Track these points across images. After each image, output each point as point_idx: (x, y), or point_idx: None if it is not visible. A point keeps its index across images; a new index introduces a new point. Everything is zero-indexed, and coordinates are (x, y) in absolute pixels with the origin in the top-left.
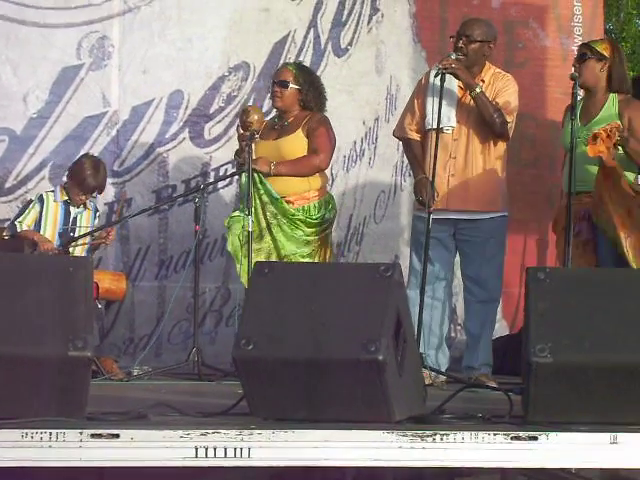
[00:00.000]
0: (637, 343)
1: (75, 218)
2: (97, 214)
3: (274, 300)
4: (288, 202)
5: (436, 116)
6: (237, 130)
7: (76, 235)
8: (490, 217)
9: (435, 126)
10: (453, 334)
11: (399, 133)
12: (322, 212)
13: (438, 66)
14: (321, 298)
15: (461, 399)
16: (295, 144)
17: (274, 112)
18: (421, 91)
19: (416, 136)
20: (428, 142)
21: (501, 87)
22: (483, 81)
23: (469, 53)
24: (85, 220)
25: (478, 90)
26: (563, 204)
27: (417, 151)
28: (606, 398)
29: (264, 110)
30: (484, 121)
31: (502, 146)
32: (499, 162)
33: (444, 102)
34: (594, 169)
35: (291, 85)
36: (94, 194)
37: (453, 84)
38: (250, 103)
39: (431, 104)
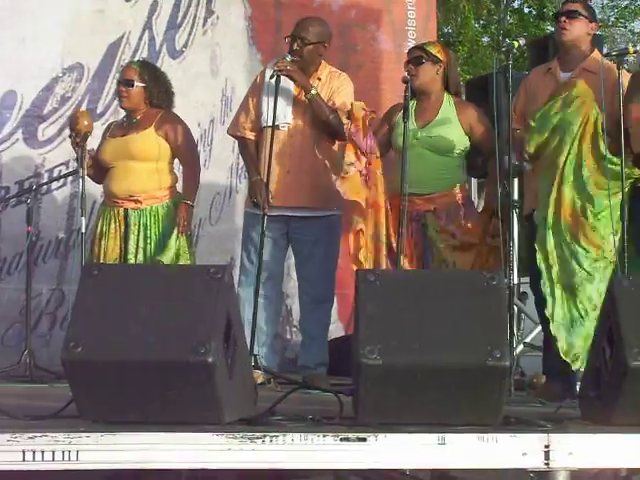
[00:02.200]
0: (465, 344)
1: None
2: None
3: (104, 302)
4: (137, 201)
5: (272, 113)
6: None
7: None
8: (323, 215)
9: (270, 123)
10: (289, 336)
11: (233, 131)
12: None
13: (274, 67)
14: (151, 300)
15: (295, 400)
16: (145, 141)
17: (109, 114)
18: (256, 90)
19: (250, 135)
20: (263, 140)
21: (337, 86)
22: (319, 79)
23: (304, 55)
24: None
25: (314, 92)
26: (395, 205)
27: (252, 151)
28: (435, 399)
29: (99, 111)
30: (321, 122)
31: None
32: (333, 157)
33: (280, 99)
34: (426, 171)
35: (136, 83)
36: None
37: (289, 81)
38: (83, 107)
39: (266, 102)
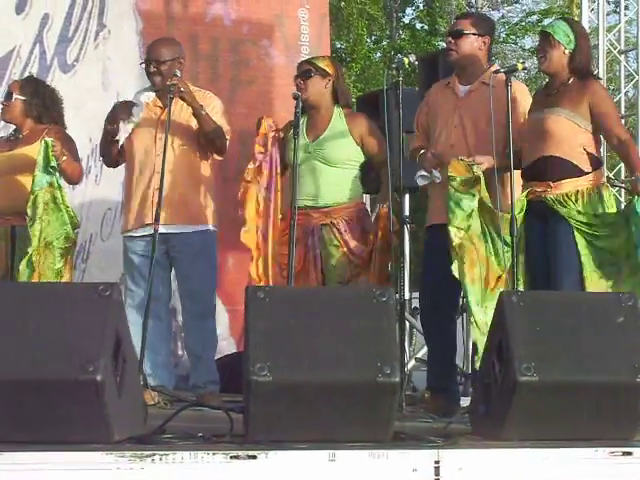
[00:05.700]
0: (355, 361)
1: None
2: None
3: None
4: (24, 218)
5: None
6: None
7: None
8: (199, 230)
9: None
10: (180, 352)
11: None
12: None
13: (169, 82)
14: (39, 318)
15: (185, 418)
16: (32, 155)
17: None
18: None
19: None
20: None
21: (207, 106)
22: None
23: (163, 74)
24: None
25: (204, 112)
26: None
27: None
28: (325, 416)
29: None
30: (207, 138)
31: (209, 159)
32: (206, 175)
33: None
34: (321, 183)
35: (15, 96)
36: None
37: (150, 103)
38: None
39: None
